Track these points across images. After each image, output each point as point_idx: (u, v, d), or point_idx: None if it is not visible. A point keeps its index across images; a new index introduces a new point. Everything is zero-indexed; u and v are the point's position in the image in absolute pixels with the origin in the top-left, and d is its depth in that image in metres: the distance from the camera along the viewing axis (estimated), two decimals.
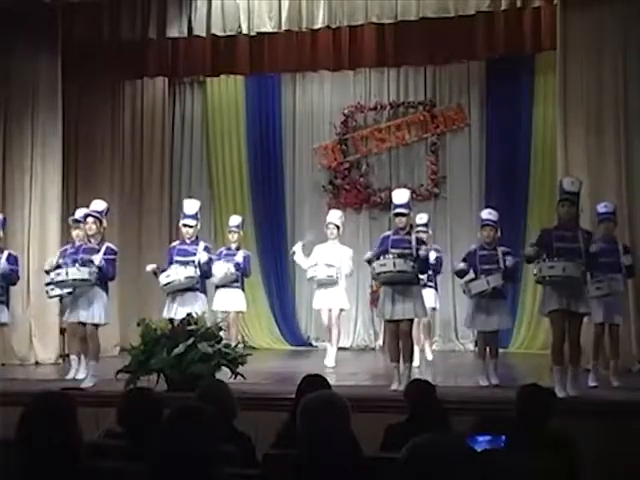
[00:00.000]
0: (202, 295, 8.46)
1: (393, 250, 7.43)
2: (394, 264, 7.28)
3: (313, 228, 10.62)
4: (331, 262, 9.34)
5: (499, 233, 8.04)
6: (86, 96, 11.34)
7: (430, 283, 9.42)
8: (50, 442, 2.74)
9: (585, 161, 9.28)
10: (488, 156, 11.92)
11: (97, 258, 7.94)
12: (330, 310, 9.48)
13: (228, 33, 10.37)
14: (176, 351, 7.15)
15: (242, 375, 7.34)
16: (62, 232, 10.59)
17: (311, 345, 12.08)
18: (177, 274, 8.22)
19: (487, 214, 8.09)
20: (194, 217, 8.57)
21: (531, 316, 11.34)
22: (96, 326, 8.00)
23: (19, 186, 10.44)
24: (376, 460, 3.29)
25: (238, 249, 9.69)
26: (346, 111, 12.34)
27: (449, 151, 12.16)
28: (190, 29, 10.43)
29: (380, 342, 12.00)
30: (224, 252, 9.63)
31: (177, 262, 8.33)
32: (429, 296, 9.31)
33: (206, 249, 8.51)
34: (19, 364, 9.74)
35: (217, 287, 9.53)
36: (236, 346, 7.78)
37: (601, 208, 8.08)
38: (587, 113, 9.32)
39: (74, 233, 8.97)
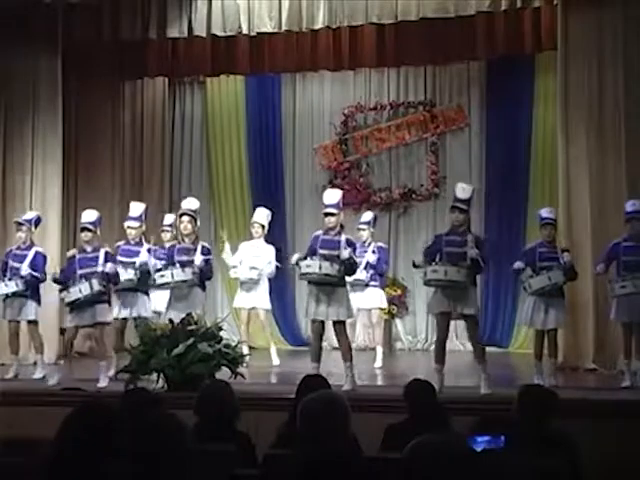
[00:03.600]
0: (144, 296, 8.60)
1: (321, 251, 7.44)
2: (320, 266, 7.30)
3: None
4: (254, 264, 9.50)
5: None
6: (86, 96, 11.32)
7: (374, 282, 9.33)
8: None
9: (585, 161, 9.28)
10: (488, 156, 11.89)
11: (197, 258, 7.91)
12: (250, 310, 9.64)
13: (228, 33, 10.38)
14: (176, 351, 7.15)
15: (242, 375, 7.34)
16: (62, 232, 10.61)
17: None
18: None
19: (547, 212, 8.14)
20: (138, 219, 8.77)
21: None
22: None
23: (19, 186, 10.44)
24: (376, 460, 3.29)
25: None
26: (346, 111, 12.33)
27: (449, 151, 12.14)
28: (190, 29, 10.43)
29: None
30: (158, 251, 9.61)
31: (120, 262, 8.46)
32: (375, 296, 9.32)
33: (149, 251, 8.61)
34: (19, 364, 9.73)
35: None
36: (236, 346, 7.78)
37: (629, 207, 8.02)
38: (588, 113, 9.32)
39: (17, 235, 8.83)
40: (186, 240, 8.09)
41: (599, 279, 8.33)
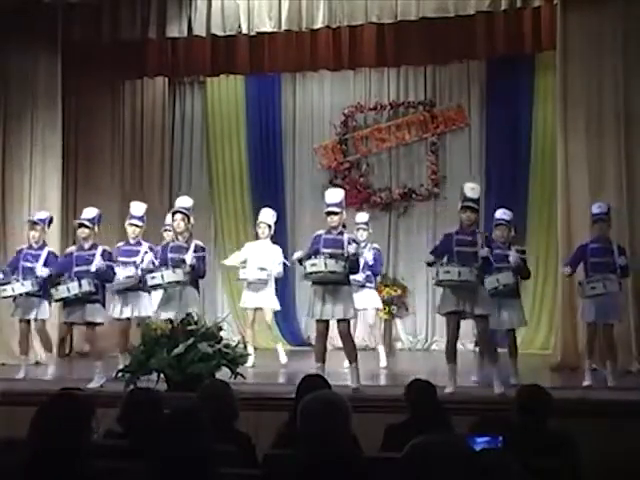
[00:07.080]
0: (145, 294, 8.59)
1: (325, 250, 7.41)
2: (325, 264, 7.26)
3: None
4: (262, 264, 9.47)
5: (512, 232, 8.20)
6: (86, 96, 11.32)
7: (370, 284, 9.34)
8: (61, 442, 2.77)
9: (585, 161, 9.28)
10: (488, 156, 11.90)
11: (189, 257, 7.86)
12: (257, 310, 9.61)
13: (228, 33, 10.36)
14: (176, 351, 7.15)
15: (242, 375, 7.34)
16: (62, 231, 10.60)
17: (311, 345, 12.06)
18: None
19: (501, 214, 8.18)
20: (140, 218, 8.78)
21: (531, 316, 11.31)
22: None
23: (19, 186, 10.44)
24: (376, 460, 3.29)
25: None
26: (346, 111, 12.33)
27: (449, 151, 12.15)
28: (190, 29, 10.41)
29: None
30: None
31: (120, 262, 8.49)
32: (371, 297, 9.31)
33: (151, 249, 8.59)
34: (19, 364, 9.73)
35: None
36: (236, 346, 7.78)
37: (595, 209, 8.11)
38: (587, 113, 9.32)
39: (30, 234, 8.81)
40: (179, 238, 8.07)
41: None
